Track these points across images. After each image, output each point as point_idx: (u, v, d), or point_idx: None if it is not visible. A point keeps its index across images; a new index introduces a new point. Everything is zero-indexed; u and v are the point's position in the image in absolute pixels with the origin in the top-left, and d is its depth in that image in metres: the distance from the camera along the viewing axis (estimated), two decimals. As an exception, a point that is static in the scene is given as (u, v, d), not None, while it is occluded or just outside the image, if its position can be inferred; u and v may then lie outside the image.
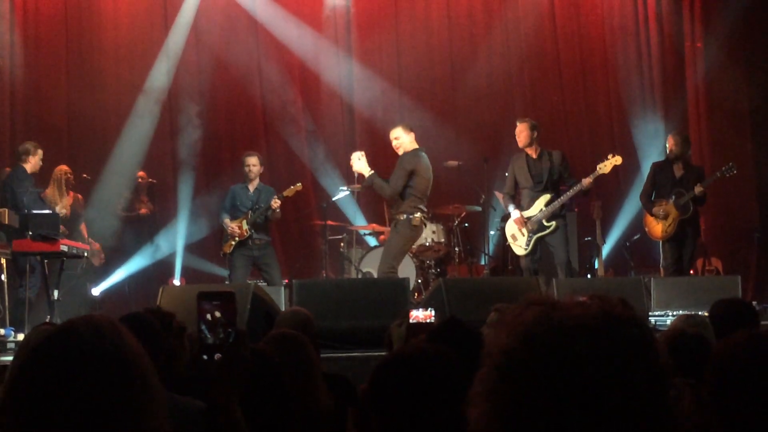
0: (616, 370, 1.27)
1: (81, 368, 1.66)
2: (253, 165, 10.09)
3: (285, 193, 10.00)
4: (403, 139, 9.00)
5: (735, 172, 9.78)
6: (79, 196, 10.72)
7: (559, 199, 9.39)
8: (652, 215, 9.79)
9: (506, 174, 9.84)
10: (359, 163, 9.02)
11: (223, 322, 2.20)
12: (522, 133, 9.55)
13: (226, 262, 10.11)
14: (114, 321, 1.79)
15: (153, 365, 1.78)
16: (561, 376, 1.27)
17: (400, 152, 8.99)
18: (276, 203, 9.82)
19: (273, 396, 2.85)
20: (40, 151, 9.76)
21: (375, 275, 9.67)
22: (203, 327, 2.20)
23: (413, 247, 10.16)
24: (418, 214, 8.80)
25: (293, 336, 3.49)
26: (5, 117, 12.00)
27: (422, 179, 8.88)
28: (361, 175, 9.22)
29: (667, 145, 9.95)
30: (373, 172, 8.96)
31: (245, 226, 9.85)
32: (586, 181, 9.32)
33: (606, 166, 9.45)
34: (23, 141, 10.24)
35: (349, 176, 12.35)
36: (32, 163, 9.67)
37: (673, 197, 9.65)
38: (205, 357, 2.20)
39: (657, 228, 9.81)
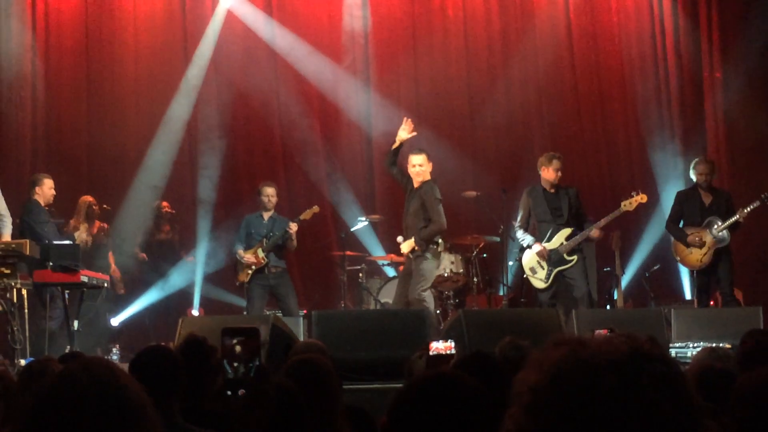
0: (644, 407, 1.27)
1: (80, 416, 1.69)
2: (272, 195, 10.14)
3: (302, 216, 10.00)
4: (425, 168, 9.15)
5: None
6: (105, 224, 10.78)
7: (580, 234, 9.37)
8: (686, 244, 9.48)
9: (519, 206, 9.80)
10: (404, 244, 9.20)
11: (247, 358, 2.21)
12: (560, 170, 9.48)
13: (244, 291, 10.12)
14: (111, 365, 1.84)
15: (153, 405, 1.82)
16: (589, 413, 1.27)
17: (419, 179, 9.07)
18: (293, 227, 9.83)
19: (294, 430, 2.84)
20: (47, 181, 9.78)
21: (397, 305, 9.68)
22: (226, 363, 2.21)
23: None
24: (441, 242, 9.08)
25: (314, 361, 3.39)
26: (26, 148, 12.09)
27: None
28: (412, 249, 9.19)
29: (696, 172, 9.59)
30: (413, 238, 9.07)
31: (261, 254, 9.85)
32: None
33: (631, 204, 9.41)
34: (43, 172, 10.32)
35: (367, 206, 12.40)
36: (42, 194, 9.69)
37: (711, 226, 9.41)
38: (228, 392, 2.21)
39: (692, 257, 9.51)
